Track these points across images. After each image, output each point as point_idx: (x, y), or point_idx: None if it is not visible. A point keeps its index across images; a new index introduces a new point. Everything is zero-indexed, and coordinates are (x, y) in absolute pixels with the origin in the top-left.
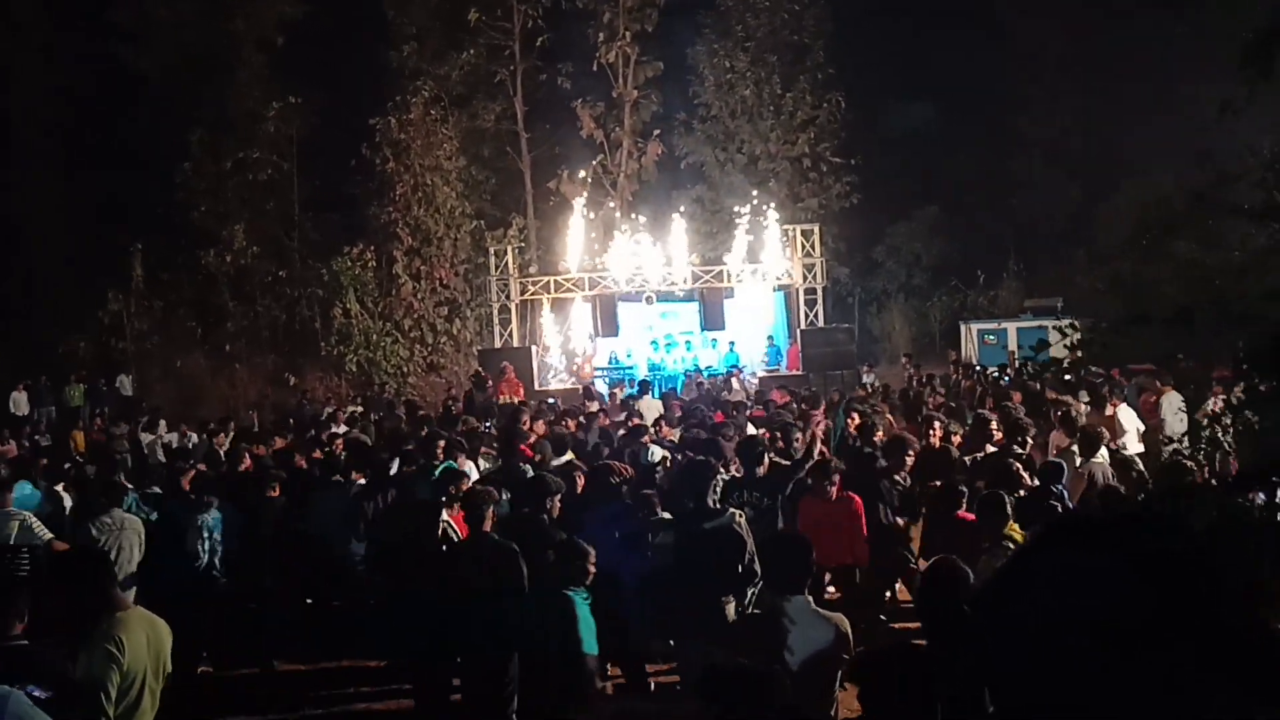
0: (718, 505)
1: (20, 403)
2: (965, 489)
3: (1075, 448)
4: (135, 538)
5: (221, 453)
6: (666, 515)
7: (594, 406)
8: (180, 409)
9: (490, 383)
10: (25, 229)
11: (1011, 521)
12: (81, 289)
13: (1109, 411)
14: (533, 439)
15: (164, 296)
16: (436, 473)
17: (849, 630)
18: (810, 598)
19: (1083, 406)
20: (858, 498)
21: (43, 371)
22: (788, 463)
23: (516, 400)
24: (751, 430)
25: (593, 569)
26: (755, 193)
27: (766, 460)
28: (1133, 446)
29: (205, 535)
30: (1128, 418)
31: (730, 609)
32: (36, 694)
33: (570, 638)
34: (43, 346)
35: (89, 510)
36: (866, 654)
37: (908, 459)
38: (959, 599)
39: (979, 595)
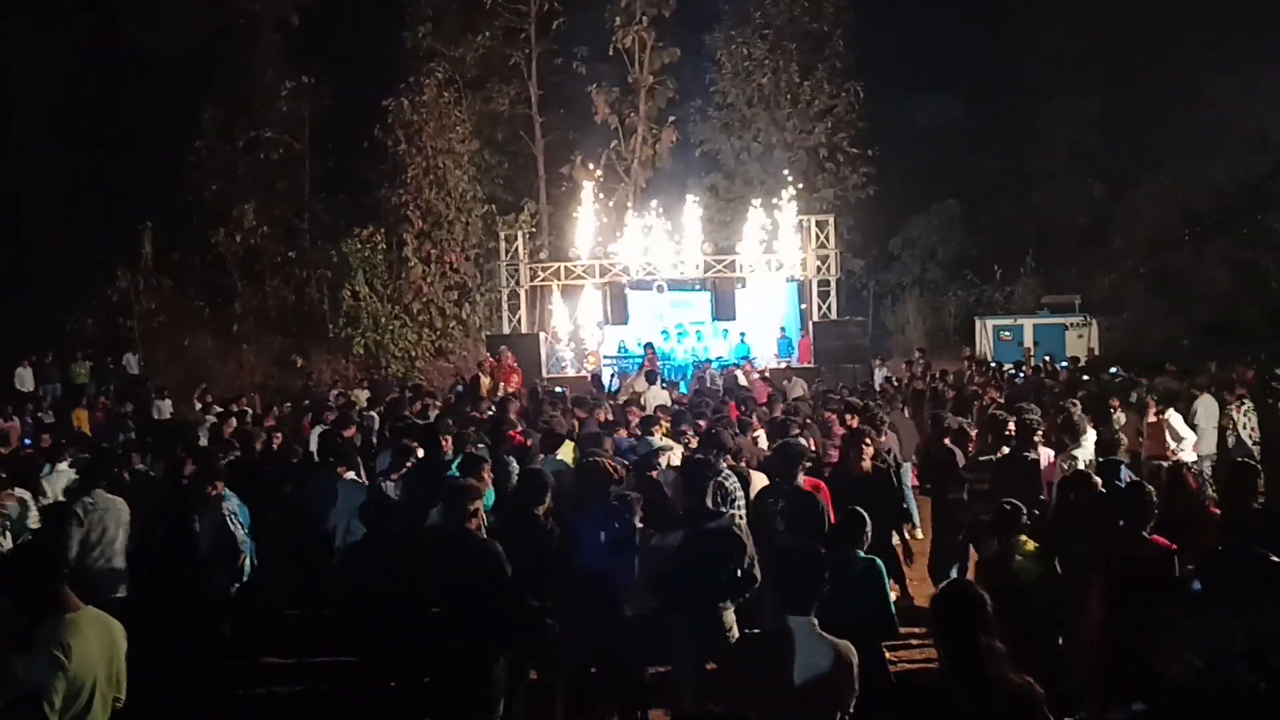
0: (716, 506)
1: (25, 379)
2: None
3: (1077, 453)
4: (116, 520)
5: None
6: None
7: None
8: (187, 389)
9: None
10: (33, 205)
11: (1023, 535)
12: (89, 267)
13: (1150, 418)
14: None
15: (173, 275)
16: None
17: (854, 660)
18: (816, 620)
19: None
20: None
21: (49, 348)
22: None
23: (512, 389)
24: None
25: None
26: (770, 182)
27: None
28: (1188, 455)
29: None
30: (1179, 423)
31: (728, 615)
32: None
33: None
34: (49, 323)
35: (75, 491)
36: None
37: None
38: (979, 628)
39: None
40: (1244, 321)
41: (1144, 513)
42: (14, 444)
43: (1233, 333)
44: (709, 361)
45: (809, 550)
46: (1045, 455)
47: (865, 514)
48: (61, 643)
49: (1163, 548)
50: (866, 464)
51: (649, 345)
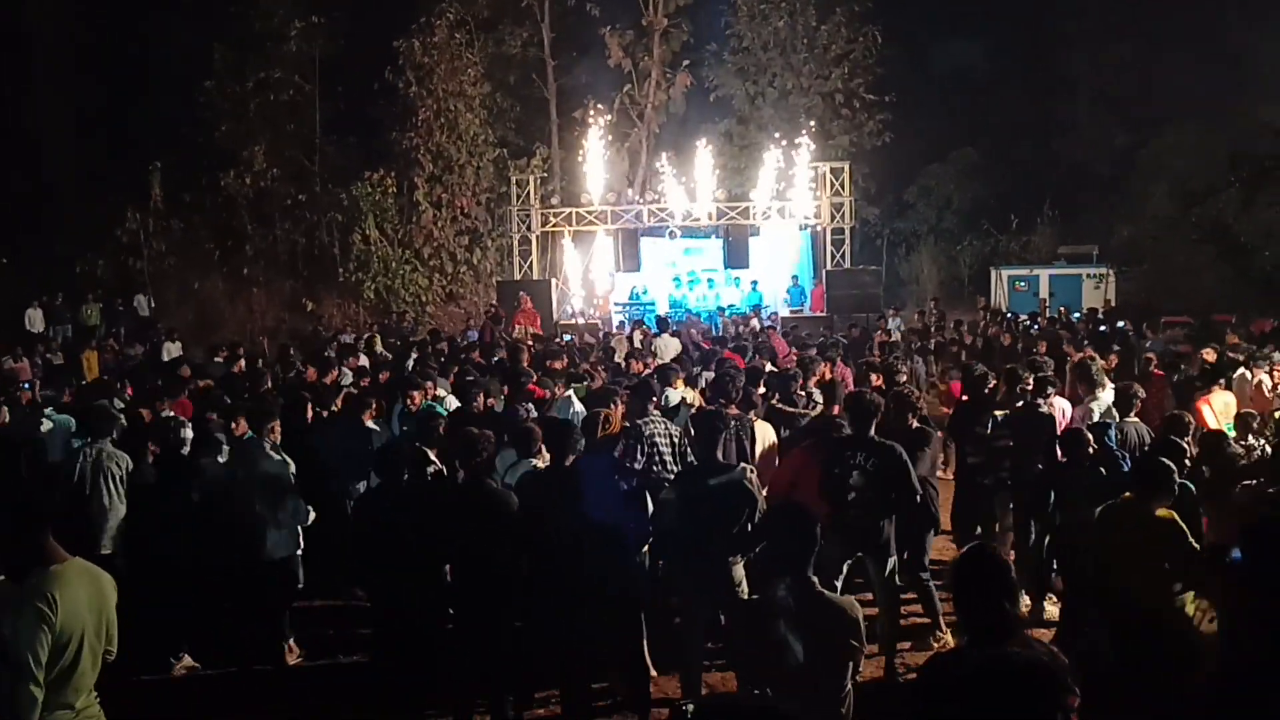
0: (727, 459)
1: (35, 320)
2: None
3: (1093, 405)
4: (106, 474)
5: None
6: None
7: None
8: (197, 331)
9: (504, 316)
10: (43, 144)
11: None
12: (99, 207)
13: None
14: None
15: (183, 217)
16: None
17: (859, 615)
18: (815, 578)
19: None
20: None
21: (59, 289)
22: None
23: (531, 331)
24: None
25: None
26: (785, 129)
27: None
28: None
29: None
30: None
31: (738, 570)
32: None
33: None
34: (59, 264)
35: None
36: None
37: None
38: (1003, 595)
39: None
40: None
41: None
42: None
43: None
44: (694, 314)
45: (797, 507)
46: (1060, 408)
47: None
48: (46, 595)
49: None
50: (913, 423)
51: (637, 322)
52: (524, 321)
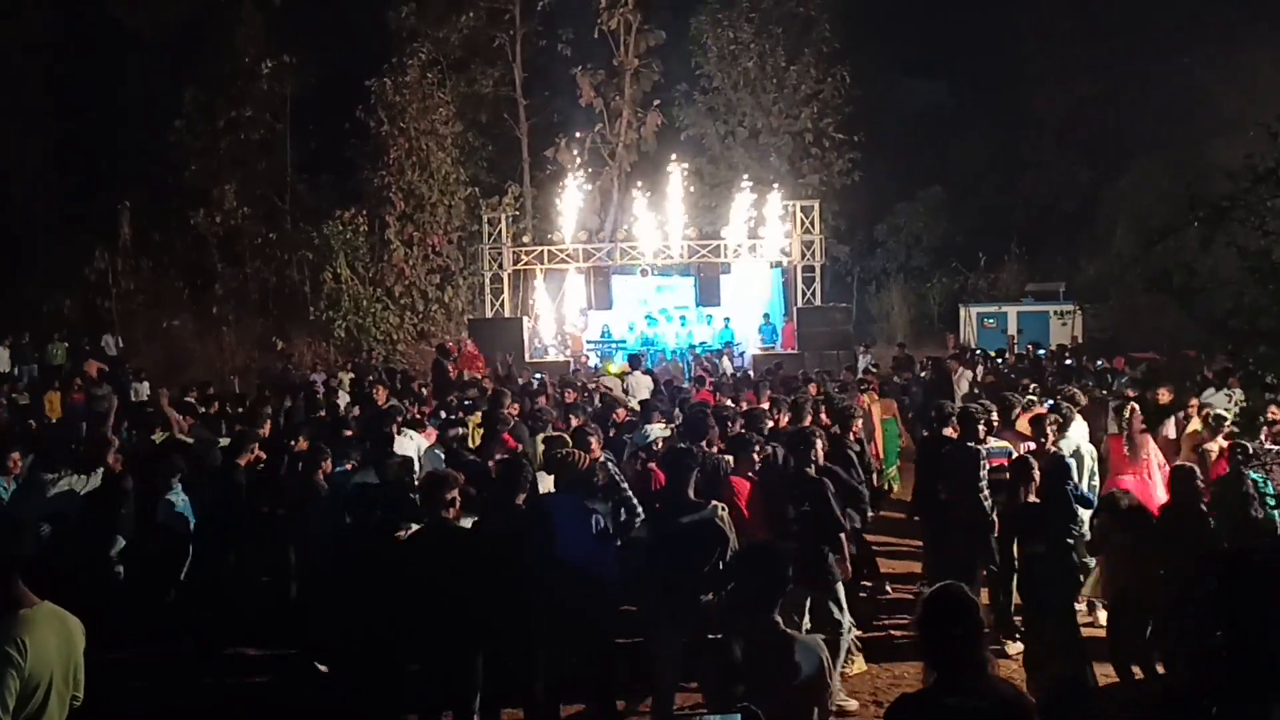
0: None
1: (1, 360)
2: None
3: (1062, 444)
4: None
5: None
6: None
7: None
8: (166, 371)
9: (454, 355)
10: (11, 182)
11: None
12: (68, 246)
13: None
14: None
15: (152, 256)
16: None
17: (824, 655)
18: (780, 619)
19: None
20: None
21: (26, 328)
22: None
23: (478, 375)
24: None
25: None
26: (755, 168)
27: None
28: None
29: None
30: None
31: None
32: None
33: None
34: (26, 303)
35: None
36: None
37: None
38: (969, 634)
39: None
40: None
41: None
42: None
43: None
44: (686, 351)
45: (767, 546)
46: (1025, 445)
47: None
48: (16, 639)
49: None
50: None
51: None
52: (466, 365)
